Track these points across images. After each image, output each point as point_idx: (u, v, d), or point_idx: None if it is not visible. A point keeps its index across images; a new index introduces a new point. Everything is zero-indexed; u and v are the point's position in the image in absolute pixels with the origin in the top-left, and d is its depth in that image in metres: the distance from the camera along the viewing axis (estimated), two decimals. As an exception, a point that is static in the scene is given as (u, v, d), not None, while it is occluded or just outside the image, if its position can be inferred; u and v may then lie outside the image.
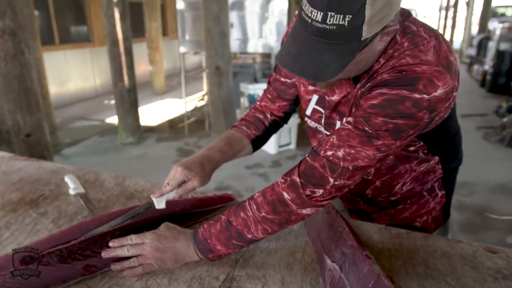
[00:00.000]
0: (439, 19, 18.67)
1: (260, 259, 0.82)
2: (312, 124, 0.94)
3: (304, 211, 0.74)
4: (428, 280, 0.75)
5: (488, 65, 7.89)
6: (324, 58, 0.64)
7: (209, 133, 4.83)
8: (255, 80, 4.69)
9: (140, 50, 7.74)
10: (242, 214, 0.77)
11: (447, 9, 16.86)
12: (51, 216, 1.00)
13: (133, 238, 0.80)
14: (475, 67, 9.02)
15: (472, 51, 9.91)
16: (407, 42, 0.71)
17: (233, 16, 4.66)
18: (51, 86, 5.87)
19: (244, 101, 4.39)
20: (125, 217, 0.89)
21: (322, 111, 0.89)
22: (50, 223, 0.96)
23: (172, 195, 0.89)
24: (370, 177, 0.92)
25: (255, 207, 0.76)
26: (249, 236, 0.77)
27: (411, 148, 0.87)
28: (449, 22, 15.69)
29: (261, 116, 1.04)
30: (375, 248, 0.85)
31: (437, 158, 0.90)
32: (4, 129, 2.05)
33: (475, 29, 12.22)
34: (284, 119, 1.06)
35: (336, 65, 0.64)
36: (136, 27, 7.59)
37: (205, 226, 0.80)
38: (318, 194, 0.72)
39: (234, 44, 4.80)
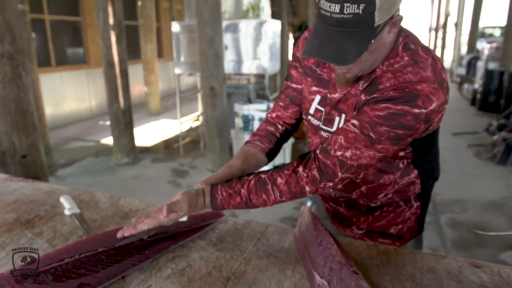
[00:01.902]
0: (429, 40, 19.08)
1: (251, 276, 0.84)
2: (314, 121, 1.03)
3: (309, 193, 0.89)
4: (414, 294, 0.77)
5: (477, 84, 8.05)
6: (345, 44, 0.75)
7: (204, 153, 4.86)
8: (249, 101, 4.74)
9: (135, 71, 7.82)
10: (264, 196, 0.89)
11: (436, 30, 17.27)
12: (46, 236, 1.01)
13: (172, 200, 0.91)
14: (465, 86, 9.19)
15: (462, 71, 10.12)
16: (407, 57, 0.83)
17: (227, 38, 4.76)
18: (47, 107, 5.89)
19: (238, 122, 4.44)
20: (131, 239, 0.91)
21: (323, 109, 0.99)
22: (45, 243, 0.97)
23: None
24: (358, 180, 1.01)
25: (278, 194, 0.88)
26: (260, 207, 0.91)
27: (399, 154, 0.96)
28: (439, 43, 16.04)
29: (272, 129, 1.12)
30: (364, 264, 0.87)
31: (416, 171, 1.00)
32: (0, 150, 2.07)
33: (464, 49, 12.49)
34: (295, 127, 1.15)
35: (355, 49, 0.74)
36: (132, 49, 7.70)
37: (224, 194, 0.90)
38: (328, 185, 0.87)
39: (229, 66, 4.88)
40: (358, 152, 0.82)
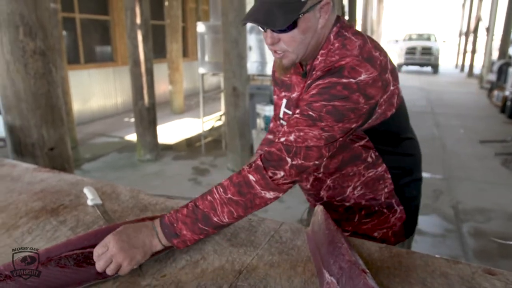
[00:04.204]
0: (459, 45, 18.59)
1: (263, 271, 0.85)
2: (284, 124, 1.05)
3: (267, 195, 0.83)
4: (424, 297, 0.77)
5: (508, 91, 7.79)
6: (274, 11, 0.81)
7: (225, 153, 4.90)
8: (271, 102, 4.77)
9: (160, 70, 7.96)
10: (209, 198, 0.84)
11: (467, 34, 16.80)
12: (70, 224, 1.05)
13: (97, 250, 0.80)
14: (495, 92, 8.91)
15: (493, 77, 9.81)
16: (338, 43, 0.88)
17: (251, 39, 4.79)
18: (75, 103, 6.09)
19: (260, 122, 4.46)
20: None
21: (289, 112, 1.02)
22: (69, 231, 1.02)
23: None
24: (320, 175, 1.02)
25: (221, 190, 0.84)
26: (215, 219, 0.83)
27: (358, 143, 0.96)
28: (470, 47, 15.60)
29: (271, 137, 1.18)
30: (374, 266, 0.87)
31: (384, 166, 1.00)
32: (29, 142, 2.15)
33: (495, 54, 12.11)
34: None
35: (283, 18, 0.81)
36: (157, 48, 7.84)
37: (172, 211, 0.85)
38: (279, 175, 0.82)
39: (252, 67, 4.91)
40: (302, 134, 0.82)
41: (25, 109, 2.11)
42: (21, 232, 1.00)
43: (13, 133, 2.17)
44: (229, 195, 0.83)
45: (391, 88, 0.88)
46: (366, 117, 0.86)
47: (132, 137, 5.53)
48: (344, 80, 0.80)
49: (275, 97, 1.11)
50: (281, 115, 1.06)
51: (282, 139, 0.83)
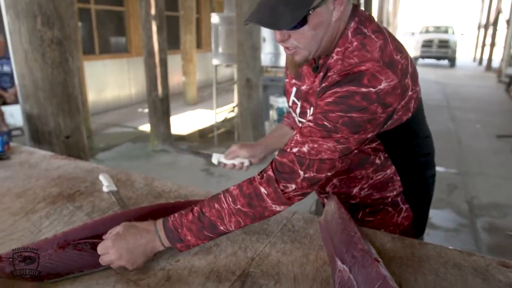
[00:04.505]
0: (478, 37, 18.18)
1: (275, 258, 0.86)
2: (293, 114, 1.02)
3: (277, 208, 0.79)
4: (437, 288, 0.76)
5: (527, 85, 7.60)
6: (279, 9, 0.73)
7: (237, 144, 4.91)
8: (285, 94, 4.75)
9: (174, 61, 7.98)
10: (216, 206, 0.79)
11: (486, 27, 16.41)
12: (86, 210, 1.07)
13: (100, 250, 0.80)
14: (514, 87, 8.71)
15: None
16: (356, 42, 0.80)
17: (265, 31, 4.76)
18: (89, 93, 6.15)
19: (273, 114, 4.45)
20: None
21: (298, 102, 0.97)
22: (85, 216, 1.03)
23: (228, 163, 1.14)
24: None
25: (230, 199, 0.79)
26: (222, 228, 0.80)
27: (369, 146, 0.91)
28: (488, 40, 15.25)
29: (289, 121, 1.20)
30: (387, 256, 0.87)
31: (393, 168, 0.95)
32: (46, 130, 2.20)
33: (515, 48, 11.79)
34: None
35: (289, 16, 0.73)
36: (171, 39, 7.86)
37: (176, 215, 0.81)
38: (290, 189, 0.77)
39: (266, 58, 4.89)
40: (316, 146, 0.76)
41: (42, 98, 2.15)
42: (39, 217, 1.02)
43: (31, 122, 2.21)
44: (239, 206, 0.79)
45: (409, 93, 0.82)
46: (382, 125, 0.81)
47: (146, 127, 5.57)
48: (364, 90, 0.74)
49: (286, 81, 1.06)
50: (290, 103, 1.03)
51: (295, 150, 0.77)
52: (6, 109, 3.85)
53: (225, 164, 1.13)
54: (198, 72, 8.51)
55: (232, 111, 6.04)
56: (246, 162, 1.12)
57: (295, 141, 0.78)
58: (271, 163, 0.81)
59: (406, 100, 0.81)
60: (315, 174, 0.77)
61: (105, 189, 1.17)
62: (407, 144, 0.94)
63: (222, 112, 5.96)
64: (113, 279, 0.78)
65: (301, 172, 0.77)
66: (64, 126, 2.22)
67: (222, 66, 5.29)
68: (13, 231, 0.94)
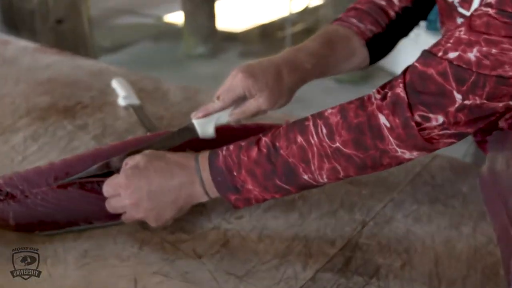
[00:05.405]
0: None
1: (402, 226, 0.63)
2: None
3: (405, 154, 0.53)
4: None
5: None
6: None
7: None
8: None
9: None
10: (299, 139, 0.56)
11: None
12: (93, 131, 0.86)
13: (108, 191, 0.62)
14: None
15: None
16: None
17: None
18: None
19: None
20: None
21: None
22: (92, 140, 0.83)
23: (224, 118, 0.66)
24: None
25: (325, 132, 0.55)
26: (305, 176, 0.55)
27: None
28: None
29: (383, 2, 0.76)
30: None
31: None
32: (27, 9, 1.78)
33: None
34: (420, 7, 0.78)
35: None
36: None
37: (231, 147, 0.59)
38: (434, 123, 0.51)
39: None
40: (494, 51, 0.50)
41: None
42: (23, 137, 0.84)
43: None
44: (338, 144, 0.54)
45: None
46: None
47: (177, 17, 4.21)
48: None
49: None
50: None
51: (452, 55, 0.50)
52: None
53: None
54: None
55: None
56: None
57: (455, 40, 0.50)
58: (403, 73, 0.53)
59: None
60: (484, 101, 0.49)
61: (121, 101, 0.94)
62: None
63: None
64: (139, 237, 0.60)
65: (459, 96, 0.49)
66: (54, 4, 1.81)
67: None
68: (-17, 158, 0.76)
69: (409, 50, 1.23)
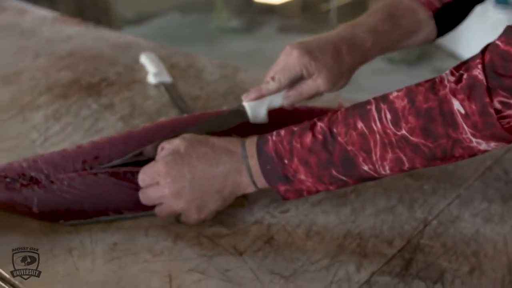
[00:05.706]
0: None
1: (470, 227, 0.57)
2: None
3: (482, 146, 0.48)
4: None
5: None
6: None
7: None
8: None
9: None
10: (359, 125, 0.51)
11: None
12: (120, 112, 0.82)
13: (145, 179, 0.57)
14: None
15: None
16: None
17: None
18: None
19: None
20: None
21: None
22: (119, 121, 0.79)
23: (277, 101, 0.61)
24: None
25: (389, 117, 0.50)
26: (365, 167, 0.51)
27: None
28: None
29: None
30: None
31: None
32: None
33: None
34: None
35: None
36: None
37: (282, 132, 0.54)
38: None
39: None
40: None
41: None
42: (44, 117, 0.81)
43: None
44: (404, 131, 0.48)
45: None
46: None
47: None
48: None
49: None
50: None
51: None
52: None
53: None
54: None
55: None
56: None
57: None
58: (482, 52, 0.47)
59: None
60: None
61: (151, 79, 0.88)
62: None
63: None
64: (173, 230, 0.57)
65: None
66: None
67: None
68: (1, 137, 0.75)
69: (473, 27, 1.10)
